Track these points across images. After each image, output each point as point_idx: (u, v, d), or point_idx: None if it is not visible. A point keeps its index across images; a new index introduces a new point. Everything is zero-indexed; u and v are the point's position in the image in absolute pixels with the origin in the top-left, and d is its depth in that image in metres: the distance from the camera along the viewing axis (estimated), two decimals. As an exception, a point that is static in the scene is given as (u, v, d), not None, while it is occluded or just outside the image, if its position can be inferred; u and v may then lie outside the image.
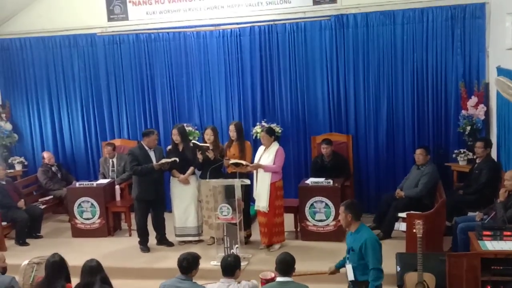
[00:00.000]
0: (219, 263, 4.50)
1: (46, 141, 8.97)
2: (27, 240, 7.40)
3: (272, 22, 7.94)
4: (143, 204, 6.83)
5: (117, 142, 8.56)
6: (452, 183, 7.36)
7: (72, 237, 7.54)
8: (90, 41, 8.55)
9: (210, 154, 6.71)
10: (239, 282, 4.33)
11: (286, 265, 4.10)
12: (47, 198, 8.30)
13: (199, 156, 6.78)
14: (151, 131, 6.91)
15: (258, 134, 7.57)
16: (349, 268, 4.43)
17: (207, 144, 6.75)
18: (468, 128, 7.12)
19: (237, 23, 8.04)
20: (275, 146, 6.60)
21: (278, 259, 4.15)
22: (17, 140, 8.98)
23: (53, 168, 8.44)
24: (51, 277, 4.36)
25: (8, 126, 8.84)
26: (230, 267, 4.26)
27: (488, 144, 6.62)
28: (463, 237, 5.56)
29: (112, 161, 8.28)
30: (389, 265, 5.51)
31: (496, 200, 5.66)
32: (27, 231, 7.47)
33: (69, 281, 4.52)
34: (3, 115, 8.85)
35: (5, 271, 4.76)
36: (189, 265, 4.32)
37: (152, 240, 7.04)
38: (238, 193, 6.24)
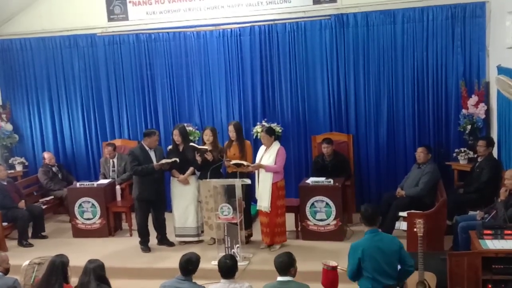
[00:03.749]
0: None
1: (47, 142, 8.98)
2: (32, 241, 7.40)
3: (272, 22, 7.94)
4: (143, 204, 6.83)
5: (117, 142, 8.56)
6: (452, 182, 7.35)
7: (72, 237, 7.54)
8: (90, 41, 8.56)
9: (209, 156, 6.70)
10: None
11: (285, 265, 4.13)
12: (47, 198, 8.31)
13: (198, 159, 6.77)
14: (153, 132, 6.91)
15: (259, 134, 7.57)
16: None
17: (206, 147, 6.75)
18: (469, 127, 7.12)
19: (237, 23, 8.04)
20: (276, 146, 6.59)
21: (276, 260, 4.19)
22: (18, 140, 8.98)
23: (53, 169, 8.44)
24: (50, 276, 4.39)
25: (9, 127, 8.85)
26: (229, 269, 4.26)
27: (490, 143, 6.61)
28: (464, 236, 5.55)
29: (113, 161, 8.28)
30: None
31: (496, 199, 5.65)
32: (32, 231, 7.52)
33: (67, 281, 4.54)
34: (4, 116, 8.86)
35: (7, 272, 4.77)
36: (192, 267, 4.33)
37: (153, 240, 7.04)
38: (238, 193, 6.24)
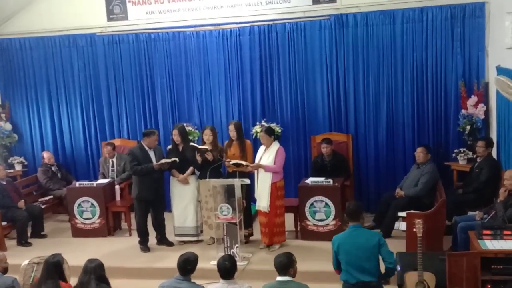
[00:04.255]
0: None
1: (46, 141, 8.97)
2: (31, 240, 7.40)
3: (271, 22, 7.94)
4: (143, 204, 6.83)
5: (117, 142, 8.56)
6: (452, 183, 7.35)
7: (72, 237, 7.54)
8: (90, 41, 8.55)
9: (209, 156, 6.70)
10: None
11: (283, 265, 4.14)
12: (47, 198, 8.30)
13: (198, 158, 6.77)
14: (152, 132, 6.91)
15: (258, 134, 7.57)
16: None
17: (206, 147, 6.75)
18: (468, 127, 7.13)
19: (237, 23, 8.04)
20: (275, 146, 6.59)
21: (275, 259, 4.20)
22: (17, 140, 8.98)
23: (53, 168, 8.44)
24: (46, 277, 4.40)
25: (8, 126, 8.84)
26: (228, 271, 4.26)
27: (489, 144, 6.62)
28: (463, 236, 5.56)
29: (112, 161, 8.27)
30: (389, 265, 5.53)
31: (496, 199, 5.65)
32: (31, 231, 7.53)
33: (65, 280, 4.55)
34: (3, 115, 8.85)
35: (6, 271, 4.77)
36: (190, 266, 4.33)
37: (152, 240, 7.04)
38: (238, 193, 6.24)
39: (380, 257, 4.42)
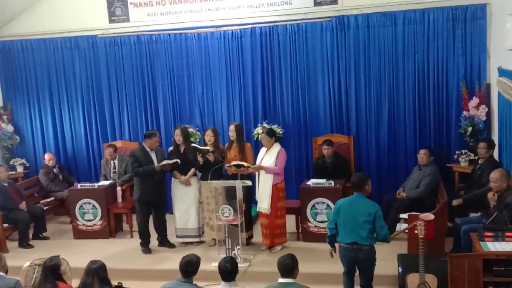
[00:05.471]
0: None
1: (48, 143, 8.99)
2: (33, 242, 7.40)
3: (273, 24, 7.95)
4: (144, 205, 6.83)
5: (118, 143, 8.57)
6: (453, 184, 7.35)
7: (73, 239, 7.54)
8: (92, 42, 8.57)
9: (211, 157, 6.71)
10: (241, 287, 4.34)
11: (289, 268, 4.14)
12: (48, 199, 8.31)
13: (200, 159, 6.78)
14: (154, 133, 6.92)
15: (259, 135, 7.57)
16: None
17: (208, 147, 6.75)
18: (470, 129, 7.12)
19: (238, 25, 8.05)
20: (276, 147, 6.59)
21: (279, 261, 4.19)
22: (19, 141, 8.99)
23: (54, 170, 8.44)
24: (44, 281, 4.40)
25: (10, 128, 8.86)
26: (229, 273, 4.26)
27: (491, 145, 6.61)
28: (466, 238, 5.54)
29: (114, 163, 8.28)
30: (391, 266, 5.54)
31: (489, 205, 5.59)
32: (33, 233, 7.54)
33: (64, 282, 4.54)
34: (5, 117, 8.87)
35: (6, 273, 4.76)
36: (192, 268, 4.33)
37: (154, 241, 7.04)
38: (239, 194, 6.24)
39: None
